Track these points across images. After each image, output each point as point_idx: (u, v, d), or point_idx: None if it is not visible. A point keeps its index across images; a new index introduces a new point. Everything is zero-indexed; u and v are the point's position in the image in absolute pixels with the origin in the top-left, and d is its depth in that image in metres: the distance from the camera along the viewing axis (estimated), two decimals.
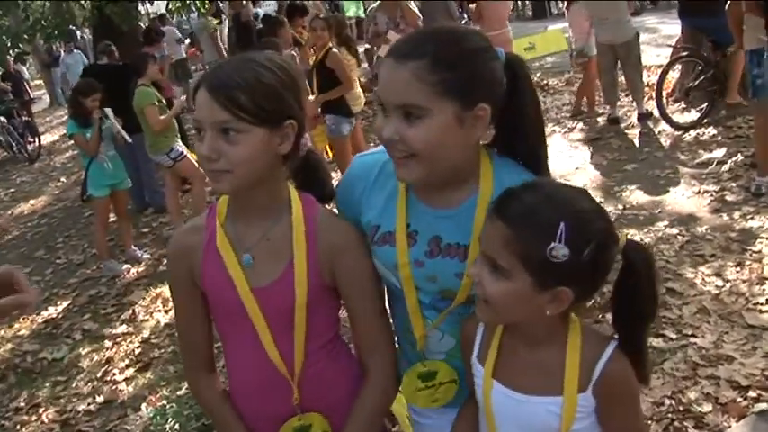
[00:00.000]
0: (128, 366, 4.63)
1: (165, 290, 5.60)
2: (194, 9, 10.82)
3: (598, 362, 1.36)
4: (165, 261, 6.24)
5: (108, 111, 5.96)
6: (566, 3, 9.08)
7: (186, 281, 1.62)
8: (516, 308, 1.34)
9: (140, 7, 11.06)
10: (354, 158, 1.70)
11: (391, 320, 1.74)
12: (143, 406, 4.07)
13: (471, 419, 1.58)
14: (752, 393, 3.07)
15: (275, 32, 7.26)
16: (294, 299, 1.55)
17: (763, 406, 2.94)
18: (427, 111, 1.36)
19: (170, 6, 10.63)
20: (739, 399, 3.05)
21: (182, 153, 6.51)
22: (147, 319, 5.27)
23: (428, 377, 1.65)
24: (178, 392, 4.08)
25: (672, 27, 11.24)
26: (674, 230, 4.89)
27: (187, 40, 16.40)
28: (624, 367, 1.37)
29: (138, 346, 4.88)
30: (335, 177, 7.93)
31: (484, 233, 1.37)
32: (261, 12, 13.18)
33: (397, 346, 1.74)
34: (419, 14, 7.67)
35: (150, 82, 6.46)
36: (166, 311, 5.28)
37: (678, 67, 7.45)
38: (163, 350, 4.72)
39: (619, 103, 8.01)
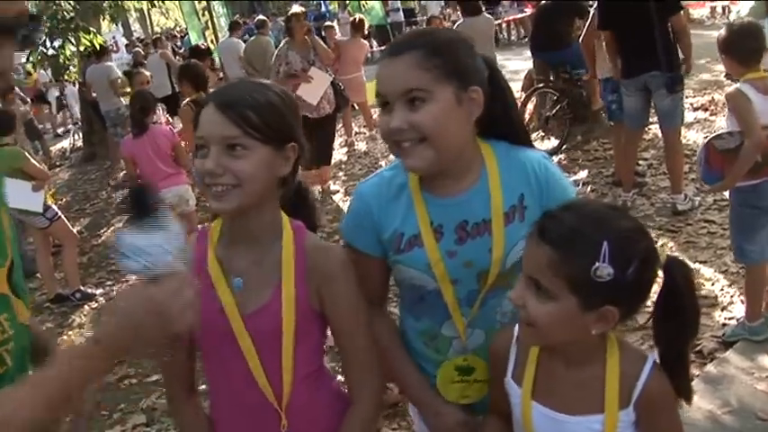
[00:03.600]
0: None
1: None
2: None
3: (639, 378, 1.37)
4: (44, 329, 5.94)
5: None
6: None
7: None
8: (562, 329, 1.34)
9: None
10: (361, 185, 1.75)
11: (409, 326, 1.78)
12: None
13: (500, 425, 1.61)
14: None
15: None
16: (281, 324, 1.54)
17: None
18: (430, 93, 1.48)
19: (31, 58, 10.12)
20: None
21: (57, 213, 6.17)
22: None
23: (466, 371, 1.70)
24: None
25: (516, 63, 12.01)
26: None
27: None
28: (663, 382, 1.40)
29: None
30: None
31: (526, 255, 1.39)
32: (113, 65, 12.81)
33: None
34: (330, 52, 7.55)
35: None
36: None
37: (534, 98, 7.94)
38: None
39: None
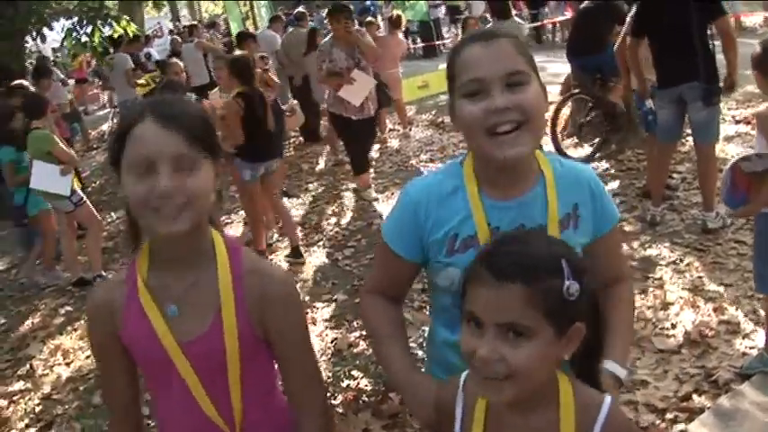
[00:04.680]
0: (27, 426, 4.31)
1: (66, 341, 5.32)
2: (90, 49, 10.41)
3: (596, 421, 1.29)
4: (63, 312, 6.02)
5: None
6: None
7: (108, 338, 1.53)
8: (542, 367, 1.24)
9: (29, 44, 10.64)
10: (408, 186, 1.73)
11: (442, 339, 1.75)
12: None
13: None
14: (669, 415, 3.19)
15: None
16: (225, 351, 1.47)
17: (681, 427, 3.06)
18: (528, 76, 1.50)
19: (65, 43, 10.25)
20: (658, 421, 3.16)
21: (82, 198, 6.23)
22: (47, 374, 4.95)
23: None
24: None
25: (557, 66, 11.77)
26: None
27: (71, 81, 15.88)
28: (624, 423, 1.34)
29: (39, 404, 4.55)
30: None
31: (488, 304, 1.24)
32: (153, 51, 12.92)
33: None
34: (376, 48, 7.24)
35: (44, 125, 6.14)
36: (68, 364, 4.99)
37: (569, 103, 7.76)
38: (66, 406, 4.44)
39: None
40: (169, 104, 1.42)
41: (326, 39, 7.23)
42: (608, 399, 1.32)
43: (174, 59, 8.79)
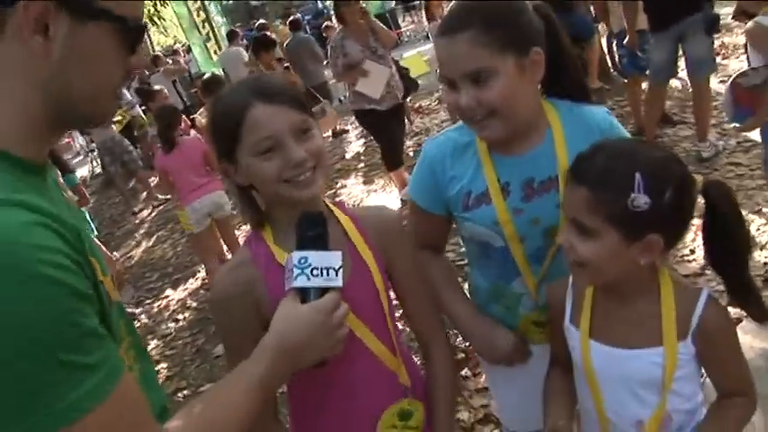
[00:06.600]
0: None
1: None
2: None
3: (695, 310, 1.40)
4: None
5: None
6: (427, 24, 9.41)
7: (247, 322, 1.48)
8: (611, 264, 1.38)
9: None
10: (426, 144, 1.80)
11: (478, 284, 1.83)
12: None
13: (563, 376, 1.64)
14: None
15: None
16: (375, 288, 1.55)
17: None
18: (493, 70, 1.50)
19: None
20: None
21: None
22: None
23: (544, 324, 1.75)
24: None
25: None
26: None
27: None
28: (721, 313, 1.43)
29: None
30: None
31: (565, 198, 1.44)
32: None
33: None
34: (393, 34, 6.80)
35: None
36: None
37: None
38: None
39: None
40: (266, 84, 1.47)
41: (336, 34, 6.65)
42: (705, 292, 1.44)
43: (158, 87, 8.80)
